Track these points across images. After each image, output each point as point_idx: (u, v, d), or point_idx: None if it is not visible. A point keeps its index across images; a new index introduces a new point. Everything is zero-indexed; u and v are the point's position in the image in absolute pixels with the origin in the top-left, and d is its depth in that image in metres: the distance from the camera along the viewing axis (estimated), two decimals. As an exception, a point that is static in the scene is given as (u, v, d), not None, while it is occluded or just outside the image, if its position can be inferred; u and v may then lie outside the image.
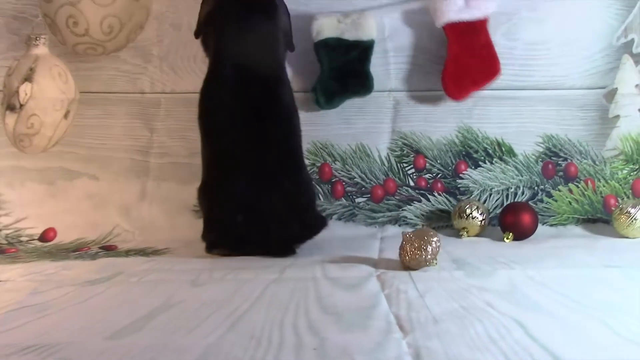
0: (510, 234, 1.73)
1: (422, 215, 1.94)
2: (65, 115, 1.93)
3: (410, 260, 1.38)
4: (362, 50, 1.94)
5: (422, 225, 1.90)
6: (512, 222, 1.74)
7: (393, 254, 1.54)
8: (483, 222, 1.81)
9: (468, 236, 1.80)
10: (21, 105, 1.86)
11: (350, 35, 1.93)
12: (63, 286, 1.35)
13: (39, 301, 1.24)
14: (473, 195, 1.93)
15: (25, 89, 1.85)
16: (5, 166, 1.99)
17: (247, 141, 1.64)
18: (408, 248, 1.38)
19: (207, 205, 1.68)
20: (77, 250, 1.81)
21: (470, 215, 1.80)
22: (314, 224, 1.71)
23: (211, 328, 1.05)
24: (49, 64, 1.88)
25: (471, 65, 1.90)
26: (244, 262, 1.56)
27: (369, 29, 1.94)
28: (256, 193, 1.62)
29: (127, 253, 1.74)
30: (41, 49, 1.88)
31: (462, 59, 1.91)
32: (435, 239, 1.38)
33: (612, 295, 1.20)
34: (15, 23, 1.99)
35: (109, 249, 1.81)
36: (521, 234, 1.74)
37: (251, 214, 1.62)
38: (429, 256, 1.37)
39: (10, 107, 1.86)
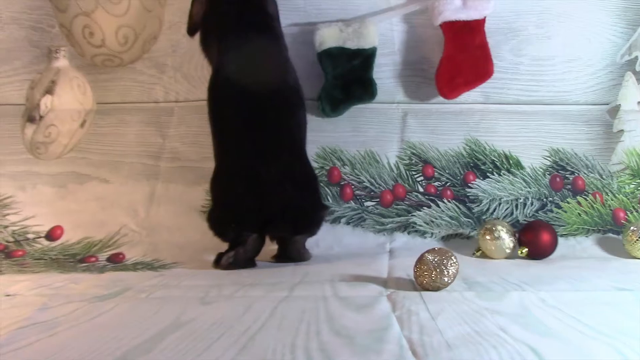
0: (525, 249, 1.65)
1: (432, 221, 1.86)
2: (82, 125, 1.88)
3: (427, 283, 1.30)
4: (364, 58, 1.89)
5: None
6: (531, 239, 1.66)
7: (402, 271, 1.46)
8: (511, 249, 1.68)
9: (483, 254, 1.71)
10: (41, 117, 1.82)
11: (352, 44, 1.88)
12: (72, 302, 1.28)
13: (48, 318, 1.17)
14: (483, 204, 1.86)
15: (46, 102, 1.82)
16: (19, 171, 1.94)
17: (252, 131, 1.61)
18: (426, 271, 1.30)
19: (215, 190, 1.66)
20: (84, 261, 1.74)
21: (502, 242, 1.68)
22: (315, 207, 1.69)
23: (222, 350, 0.98)
24: (69, 76, 1.85)
25: (465, 65, 1.86)
26: (253, 278, 1.49)
27: (370, 37, 1.89)
28: (256, 167, 1.60)
29: (135, 267, 1.67)
30: (62, 62, 1.85)
31: (457, 59, 1.86)
32: (454, 263, 1.30)
33: (624, 320, 1.12)
34: (35, 35, 1.93)
35: (116, 259, 1.74)
36: (539, 253, 1.66)
37: (250, 184, 1.60)
38: (448, 280, 1.29)
39: (30, 119, 1.83)
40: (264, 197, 1.60)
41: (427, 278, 1.29)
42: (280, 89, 1.67)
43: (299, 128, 1.70)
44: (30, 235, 1.85)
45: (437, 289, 1.29)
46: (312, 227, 1.70)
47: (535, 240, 1.66)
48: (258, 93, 1.62)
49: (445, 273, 1.28)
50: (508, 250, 1.67)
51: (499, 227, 1.68)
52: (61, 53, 1.85)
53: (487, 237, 1.68)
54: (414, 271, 1.31)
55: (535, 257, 1.66)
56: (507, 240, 1.67)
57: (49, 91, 1.82)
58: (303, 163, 1.69)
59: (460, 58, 1.86)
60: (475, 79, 1.88)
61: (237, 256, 1.61)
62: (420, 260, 1.30)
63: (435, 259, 1.28)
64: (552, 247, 1.67)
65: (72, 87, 1.85)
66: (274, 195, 1.61)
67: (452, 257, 1.29)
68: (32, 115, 1.83)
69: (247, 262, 1.63)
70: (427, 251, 1.31)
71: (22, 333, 1.09)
